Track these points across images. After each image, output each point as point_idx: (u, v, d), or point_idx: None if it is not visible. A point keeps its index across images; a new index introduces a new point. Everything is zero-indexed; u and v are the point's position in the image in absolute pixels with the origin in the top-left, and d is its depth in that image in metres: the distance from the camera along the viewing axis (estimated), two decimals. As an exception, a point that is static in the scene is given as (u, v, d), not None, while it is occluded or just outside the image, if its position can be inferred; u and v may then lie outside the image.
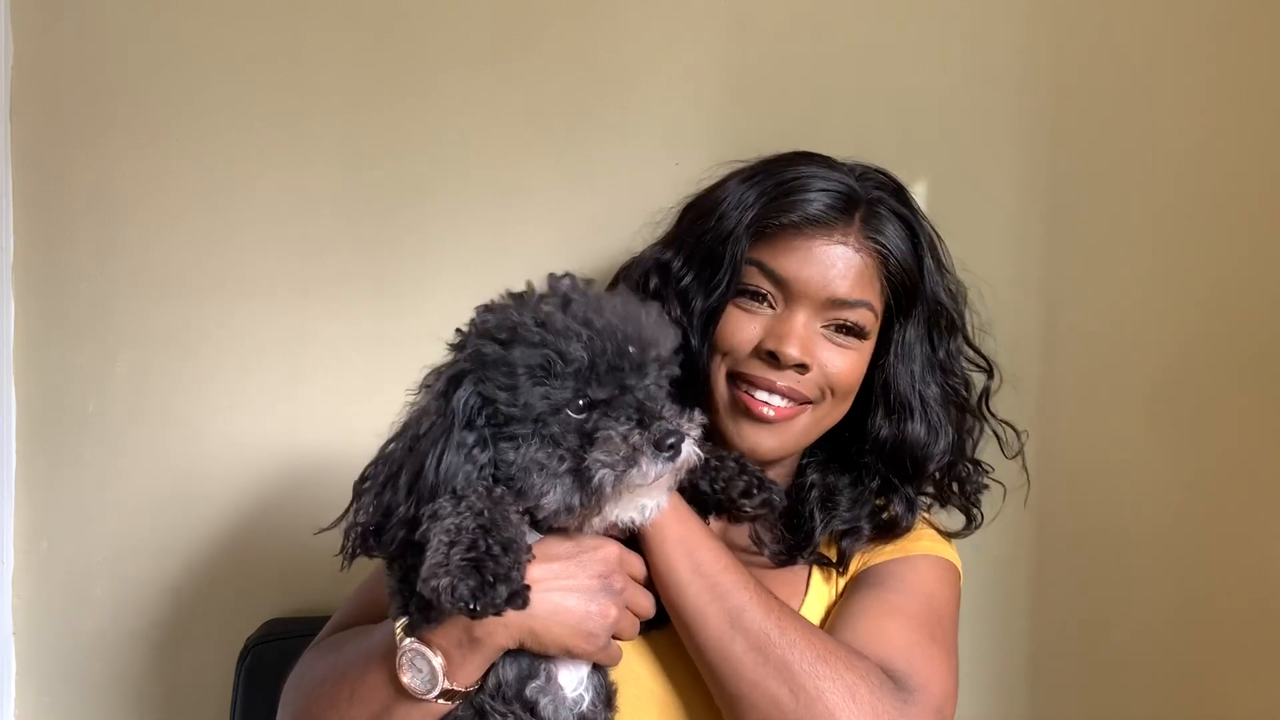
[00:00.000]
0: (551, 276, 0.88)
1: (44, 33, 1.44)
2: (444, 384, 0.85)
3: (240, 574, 1.44)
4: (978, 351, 1.14)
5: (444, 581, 0.76)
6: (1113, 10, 1.30)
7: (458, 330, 0.89)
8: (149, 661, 1.47)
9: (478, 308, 0.89)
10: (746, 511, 0.96)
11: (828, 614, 1.03)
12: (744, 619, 0.89)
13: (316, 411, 1.42)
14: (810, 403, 1.04)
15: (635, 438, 0.81)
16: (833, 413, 1.06)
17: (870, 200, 1.05)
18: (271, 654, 1.32)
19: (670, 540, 0.92)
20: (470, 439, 0.83)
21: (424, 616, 0.83)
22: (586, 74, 1.39)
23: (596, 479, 0.81)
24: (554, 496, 0.82)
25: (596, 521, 0.87)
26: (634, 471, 0.81)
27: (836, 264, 1.02)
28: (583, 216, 1.37)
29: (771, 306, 1.03)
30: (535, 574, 0.83)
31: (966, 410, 1.11)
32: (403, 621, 0.85)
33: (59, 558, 1.47)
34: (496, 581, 0.76)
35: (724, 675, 0.89)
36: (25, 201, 1.45)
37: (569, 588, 0.86)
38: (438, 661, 0.83)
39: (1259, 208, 1.26)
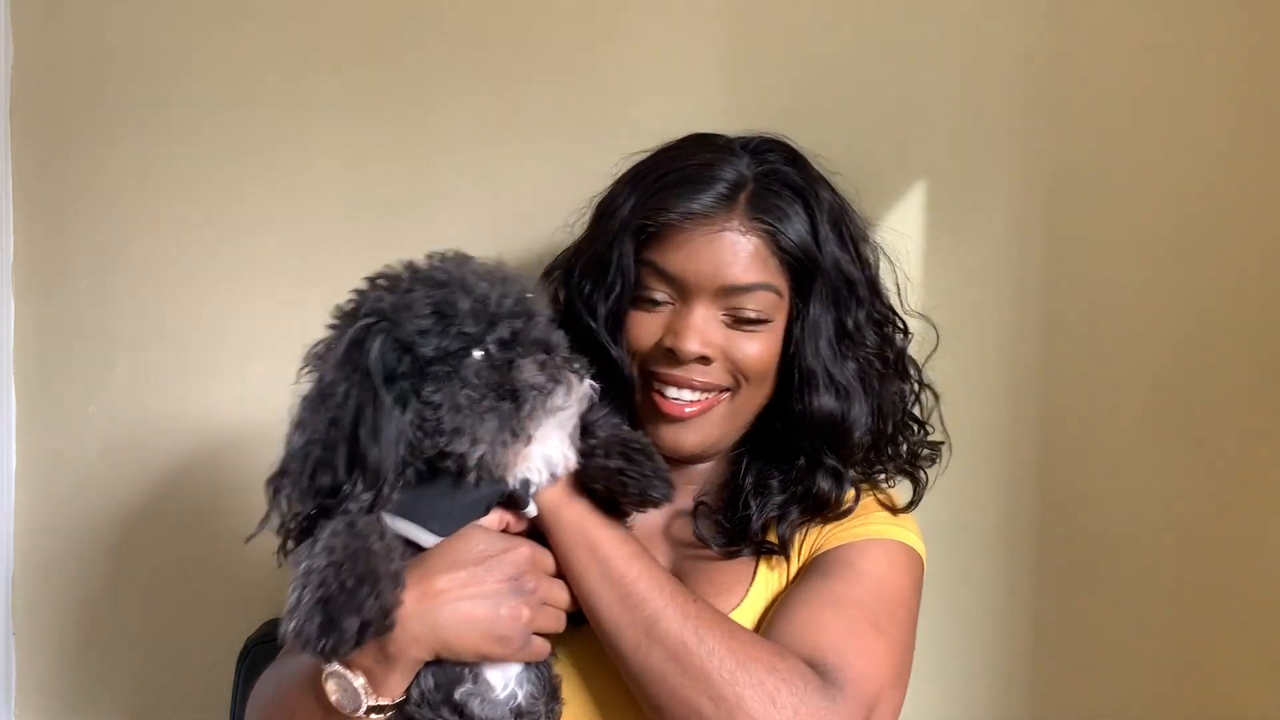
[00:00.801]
0: (431, 253, 0.90)
1: (44, 33, 1.44)
2: (346, 348, 0.84)
3: (240, 573, 1.44)
4: (892, 311, 1.11)
5: (291, 626, 0.77)
6: (1114, 9, 1.30)
7: (337, 307, 0.89)
8: (149, 661, 1.47)
9: (357, 289, 0.89)
10: (628, 510, 0.95)
11: (774, 603, 1.01)
12: (659, 628, 0.87)
13: (316, 411, 1.43)
14: (727, 390, 1.02)
15: (550, 363, 0.85)
16: (752, 398, 1.04)
17: (758, 177, 1.02)
18: (271, 654, 1.31)
19: (578, 548, 0.90)
20: (390, 398, 0.83)
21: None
22: (585, 75, 1.39)
23: (527, 404, 0.83)
24: (486, 431, 0.84)
25: (519, 461, 0.87)
26: (559, 391, 0.85)
27: (724, 252, 0.99)
28: (582, 215, 1.37)
29: (671, 304, 1.02)
30: (440, 584, 0.84)
31: (890, 375, 1.07)
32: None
33: (59, 556, 1.47)
34: (342, 617, 0.76)
35: (644, 685, 0.88)
36: (25, 201, 1.45)
37: (477, 595, 0.85)
38: (359, 682, 0.83)
39: (1261, 205, 1.26)
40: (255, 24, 1.41)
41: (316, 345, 0.88)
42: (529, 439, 0.86)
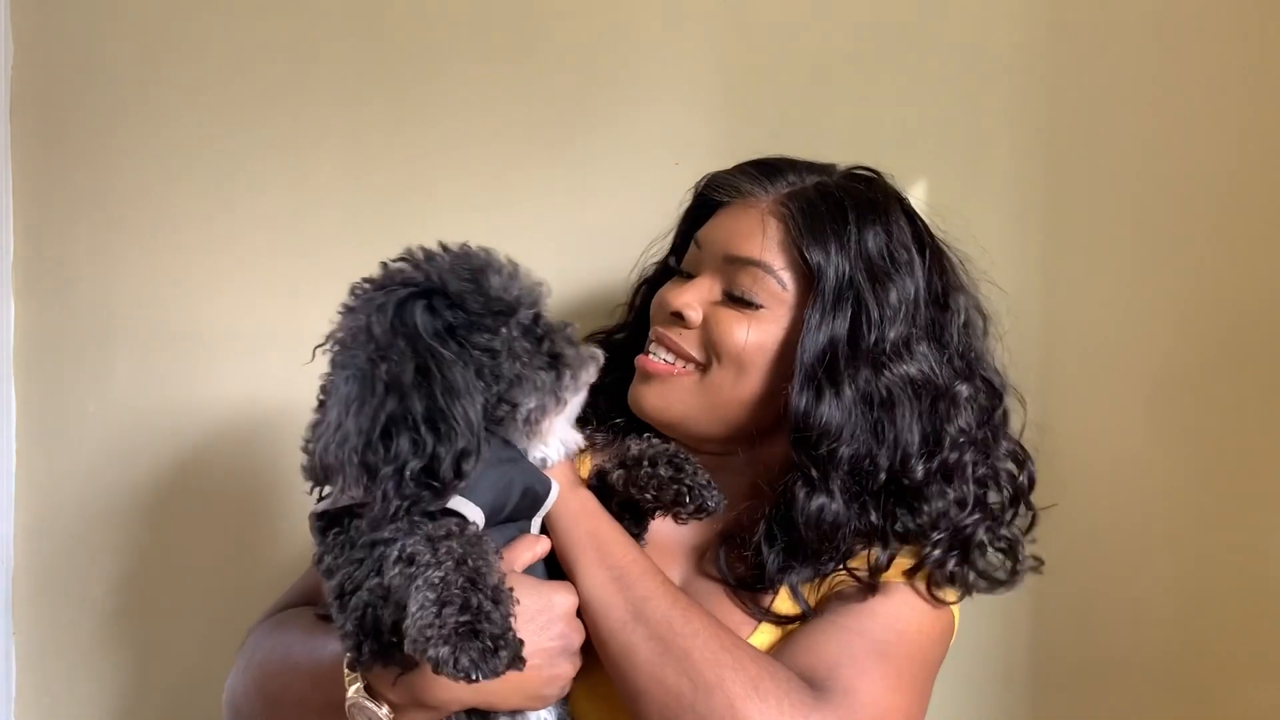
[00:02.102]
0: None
1: (44, 33, 1.44)
2: (392, 314, 0.82)
3: (241, 572, 1.44)
4: (991, 380, 1.03)
5: (443, 651, 0.71)
6: (1113, 9, 1.30)
7: (352, 292, 0.88)
8: (149, 661, 1.47)
9: (372, 275, 0.89)
10: (682, 517, 0.93)
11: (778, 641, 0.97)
12: (647, 608, 0.86)
13: (316, 411, 1.42)
14: (699, 365, 1.00)
15: (568, 332, 0.90)
16: (727, 385, 0.98)
17: (817, 184, 1.02)
18: (271, 654, 1.32)
19: (579, 532, 0.90)
20: (450, 353, 0.82)
21: (381, 661, 0.79)
22: (586, 75, 1.39)
23: (567, 372, 0.87)
24: (543, 381, 0.86)
25: (551, 430, 0.90)
26: (590, 365, 0.89)
27: (740, 224, 1.01)
28: (582, 215, 1.37)
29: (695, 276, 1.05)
30: (516, 596, 0.80)
31: (919, 420, 0.96)
32: (350, 659, 0.80)
33: (59, 557, 1.47)
34: (498, 648, 0.72)
35: (625, 669, 0.85)
36: (25, 201, 1.45)
37: (531, 662, 0.80)
38: (383, 711, 0.81)
39: (1260, 205, 1.26)
40: (256, 24, 1.41)
41: (337, 329, 0.85)
42: (565, 404, 0.89)
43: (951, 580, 0.96)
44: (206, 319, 1.44)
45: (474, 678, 0.71)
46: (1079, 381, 1.32)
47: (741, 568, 0.99)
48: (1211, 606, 1.28)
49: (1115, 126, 1.30)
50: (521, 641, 0.74)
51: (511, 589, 0.77)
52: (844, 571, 0.97)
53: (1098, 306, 1.31)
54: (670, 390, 1.01)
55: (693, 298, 1.00)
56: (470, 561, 0.76)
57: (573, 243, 1.37)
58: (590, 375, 0.90)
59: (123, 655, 1.48)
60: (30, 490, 1.47)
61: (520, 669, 0.73)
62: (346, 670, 0.83)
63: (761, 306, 0.98)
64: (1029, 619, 1.35)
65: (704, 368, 1.00)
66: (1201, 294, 1.28)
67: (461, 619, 0.72)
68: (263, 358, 1.44)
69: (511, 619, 0.75)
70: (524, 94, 1.39)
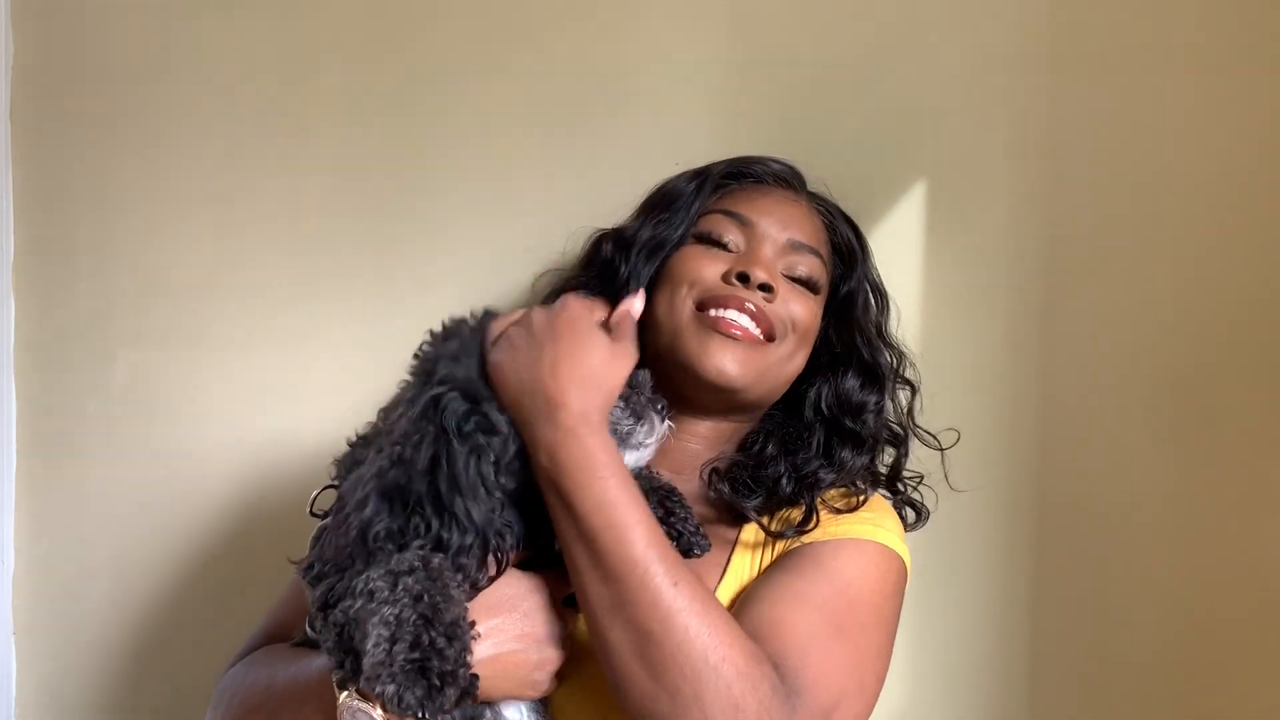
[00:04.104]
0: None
1: (44, 33, 1.44)
2: (422, 408, 0.84)
3: (241, 574, 1.44)
4: (900, 374, 1.19)
5: (389, 689, 0.73)
6: (1113, 9, 1.30)
7: (410, 365, 0.90)
8: (149, 661, 1.47)
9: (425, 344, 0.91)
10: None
11: (740, 593, 0.99)
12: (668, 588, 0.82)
13: (317, 411, 1.42)
14: (767, 337, 1.05)
15: (634, 400, 0.91)
16: (793, 357, 1.08)
17: (817, 191, 1.18)
18: (271, 654, 1.32)
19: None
20: (465, 449, 0.83)
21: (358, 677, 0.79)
22: (587, 74, 1.39)
23: (623, 433, 0.89)
24: None
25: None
26: (639, 429, 0.91)
27: (796, 213, 1.11)
28: (583, 216, 1.37)
29: (736, 252, 1.08)
30: (477, 630, 0.81)
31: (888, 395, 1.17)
32: (339, 677, 0.80)
33: (59, 558, 1.47)
34: (444, 685, 0.74)
35: (603, 654, 0.83)
36: (25, 201, 1.45)
37: (514, 646, 0.84)
38: (378, 714, 0.79)
39: (1261, 204, 1.26)
40: (256, 22, 1.42)
41: (393, 414, 0.89)
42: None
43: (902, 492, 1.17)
44: (207, 319, 1.44)
45: (421, 715, 0.73)
46: (1078, 381, 1.32)
47: (746, 494, 1.05)
48: (1211, 606, 1.28)
49: (1119, 128, 1.30)
50: (475, 676, 0.76)
51: (473, 622, 0.78)
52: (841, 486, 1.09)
53: (1098, 306, 1.31)
54: (753, 357, 1.04)
55: (773, 273, 1.06)
56: (427, 597, 0.76)
57: (572, 243, 1.37)
58: (643, 436, 0.92)
59: (123, 655, 1.48)
60: (30, 490, 1.47)
61: (470, 702, 0.76)
62: (335, 686, 0.81)
63: (818, 293, 1.10)
64: (1029, 619, 1.35)
65: (770, 340, 1.06)
66: (1202, 294, 1.28)
67: (411, 656, 0.74)
68: (263, 357, 1.43)
69: (467, 654, 0.76)
70: (525, 94, 1.39)
